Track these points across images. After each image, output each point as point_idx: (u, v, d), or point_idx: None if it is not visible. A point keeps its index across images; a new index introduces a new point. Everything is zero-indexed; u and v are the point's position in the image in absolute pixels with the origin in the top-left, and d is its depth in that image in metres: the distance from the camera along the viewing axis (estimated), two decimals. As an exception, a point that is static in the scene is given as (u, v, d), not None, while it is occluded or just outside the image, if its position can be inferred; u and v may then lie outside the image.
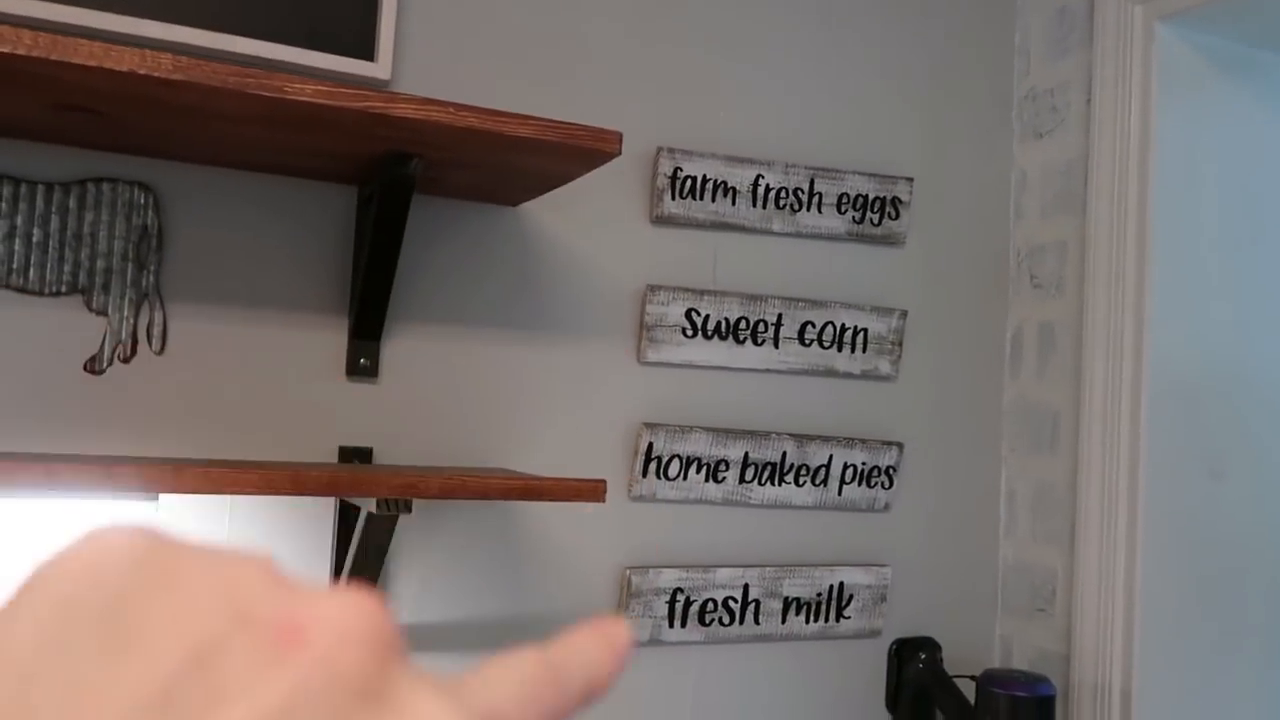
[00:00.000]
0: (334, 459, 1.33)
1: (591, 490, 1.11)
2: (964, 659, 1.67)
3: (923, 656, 1.61)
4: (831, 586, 1.59)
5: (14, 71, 0.94)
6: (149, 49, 0.96)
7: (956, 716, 1.54)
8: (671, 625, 1.49)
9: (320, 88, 1.00)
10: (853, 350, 1.63)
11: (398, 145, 1.13)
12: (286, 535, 1.30)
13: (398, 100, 1.03)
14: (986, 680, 1.49)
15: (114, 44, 0.94)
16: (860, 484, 1.62)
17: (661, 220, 1.51)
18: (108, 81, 0.96)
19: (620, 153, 1.15)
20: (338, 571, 1.30)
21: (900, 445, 1.65)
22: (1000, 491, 1.75)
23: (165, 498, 1.17)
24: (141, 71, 0.93)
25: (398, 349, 1.36)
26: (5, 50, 0.89)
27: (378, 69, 1.35)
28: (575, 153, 1.14)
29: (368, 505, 1.15)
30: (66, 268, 1.21)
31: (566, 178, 1.26)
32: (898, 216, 1.67)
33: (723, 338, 1.54)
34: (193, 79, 0.95)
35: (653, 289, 1.49)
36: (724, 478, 1.53)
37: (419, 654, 1.35)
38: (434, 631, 1.37)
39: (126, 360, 1.24)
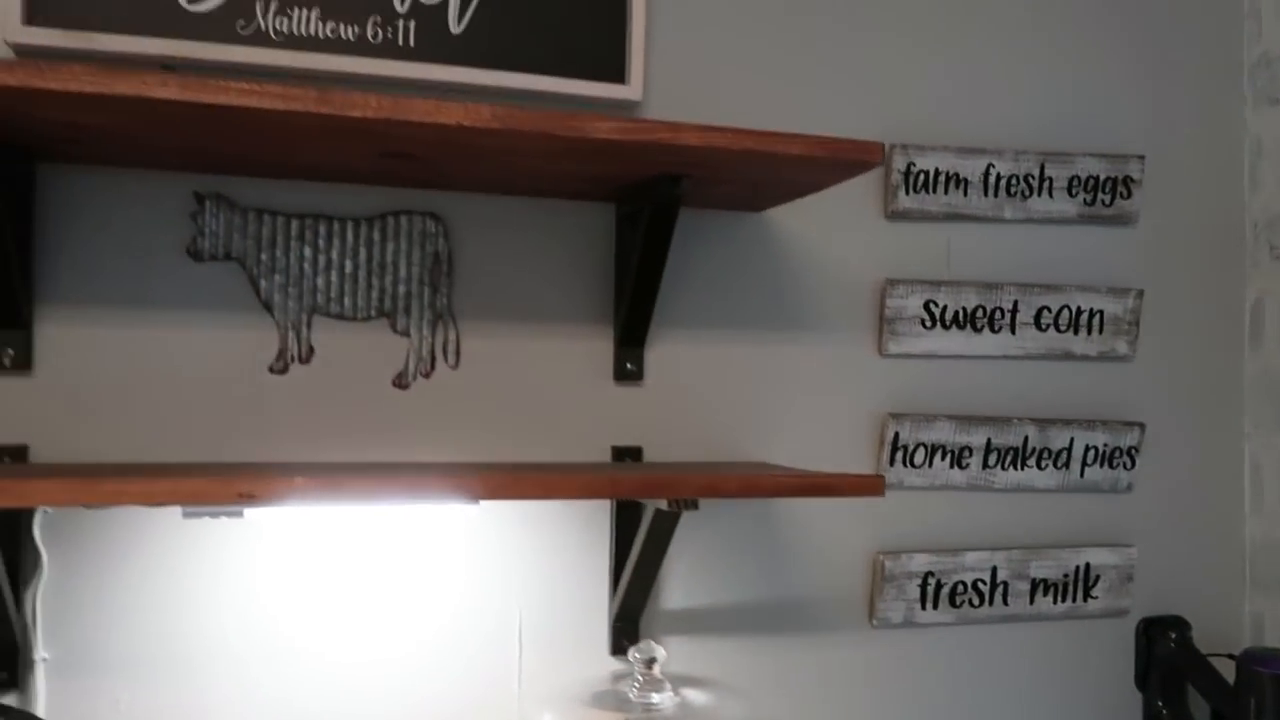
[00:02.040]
0: (607, 458, 1.44)
1: (871, 485, 1.17)
2: (1213, 637, 1.67)
3: (1173, 636, 1.62)
4: (1078, 567, 1.62)
5: (354, 130, 1.06)
6: (435, 93, 1.06)
7: (1214, 695, 1.54)
8: (924, 608, 1.54)
9: (616, 124, 1.09)
10: (1089, 332, 1.63)
11: (671, 168, 1.22)
12: (564, 529, 1.42)
13: (683, 130, 1.11)
14: (1247, 659, 1.48)
15: (428, 97, 1.06)
16: (1102, 465, 1.63)
17: (896, 215, 1.56)
18: (434, 133, 1.07)
19: (882, 162, 1.21)
20: (618, 564, 1.41)
21: (1141, 425, 1.65)
22: (1244, 467, 1.73)
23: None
24: (467, 123, 1.04)
25: (659, 353, 1.46)
26: (355, 114, 1.02)
27: (630, 91, 1.43)
28: (839, 165, 1.20)
29: (656, 503, 1.24)
30: (374, 295, 1.35)
31: (821, 186, 1.32)
32: (1129, 195, 1.66)
33: (960, 327, 1.57)
34: (509, 126, 1.06)
35: (891, 283, 1.54)
36: (968, 463, 1.57)
37: (690, 638, 1.45)
38: (703, 616, 1.47)
39: (427, 375, 1.37)
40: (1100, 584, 1.63)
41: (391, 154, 1.17)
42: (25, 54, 1.24)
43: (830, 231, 1.53)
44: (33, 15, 1.23)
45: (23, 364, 1.23)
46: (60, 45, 1.24)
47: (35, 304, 1.24)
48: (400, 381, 1.36)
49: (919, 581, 1.54)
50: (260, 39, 1.31)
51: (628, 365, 1.44)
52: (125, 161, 1.25)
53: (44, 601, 1.24)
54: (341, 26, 1.34)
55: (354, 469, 1.20)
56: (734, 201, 1.42)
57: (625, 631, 1.42)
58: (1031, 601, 1.60)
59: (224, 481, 0.98)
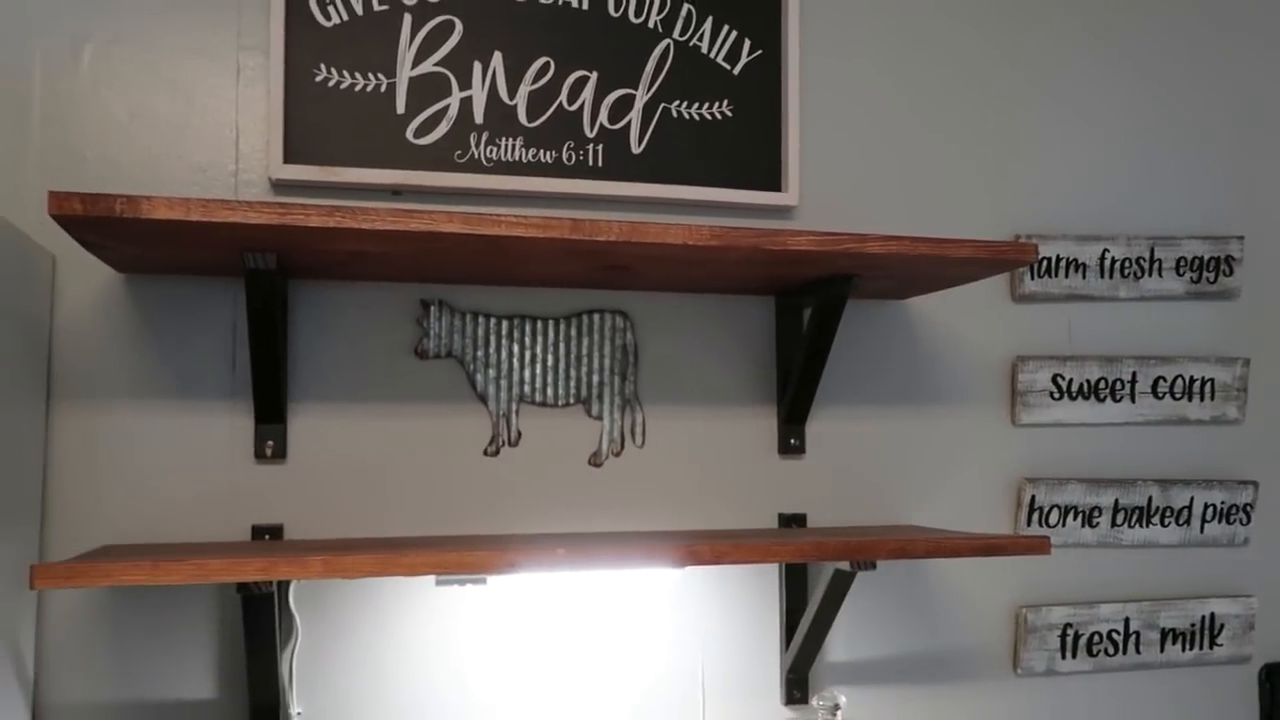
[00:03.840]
0: (774, 524, 1.60)
1: (1037, 545, 1.32)
2: (1332, 682, 1.78)
3: (1295, 680, 1.74)
4: (1203, 617, 1.74)
5: (591, 250, 1.25)
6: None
7: (1340, 736, 1.65)
8: (1064, 657, 1.68)
9: (812, 238, 1.27)
10: (1202, 399, 1.78)
11: (843, 270, 1.39)
12: (738, 590, 1.57)
13: (868, 240, 1.29)
14: (1373, 701, 1.60)
15: (643, 221, 1.24)
16: (1220, 521, 1.77)
17: (1023, 298, 1.72)
18: (658, 250, 1.25)
19: (1036, 261, 1.37)
20: (789, 623, 1.56)
21: (1255, 484, 1.78)
22: (1352, 521, 1.86)
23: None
24: (690, 243, 1.22)
25: (817, 428, 1.62)
26: (601, 238, 1.20)
27: (787, 197, 1.62)
28: (997, 264, 1.37)
29: (836, 564, 1.40)
30: (571, 384, 1.53)
31: (972, 280, 1.49)
32: (1231, 273, 1.82)
33: (1085, 397, 1.72)
34: (726, 243, 1.24)
35: (1021, 359, 1.70)
36: (1098, 522, 1.71)
37: (852, 687, 1.60)
38: (863, 667, 1.61)
39: (618, 454, 1.54)
40: (1224, 632, 1.75)
41: (612, 266, 1.35)
42: (284, 188, 1.45)
43: (965, 315, 1.69)
44: (290, 155, 1.44)
45: (280, 454, 1.42)
46: (312, 179, 1.44)
47: (290, 402, 1.43)
48: (595, 460, 1.54)
49: (1059, 632, 1.67)
50: (474, 166, 1.51)
51: (791, 440, 1.60)
52: (362, 276, 1.44)
53: (298, 662, 1.41)
54: (541, 152, 1.53)
55: (564, 539, 1.36)
56: (884, 292, 1.58)
57: (796, 683, 1.57)
58: (1161, 649, 1.72)
59: (497, 553, 1.15)
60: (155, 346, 1.39)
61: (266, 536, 1.41)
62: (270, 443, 1.41)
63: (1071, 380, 1.72)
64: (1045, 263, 1.72)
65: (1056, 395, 1.71)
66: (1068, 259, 1.73)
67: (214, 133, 1.44)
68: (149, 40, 1.42)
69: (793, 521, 1.60)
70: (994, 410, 1.70)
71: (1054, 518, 1.69)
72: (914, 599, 1.64)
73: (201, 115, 1.44)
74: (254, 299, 1.28)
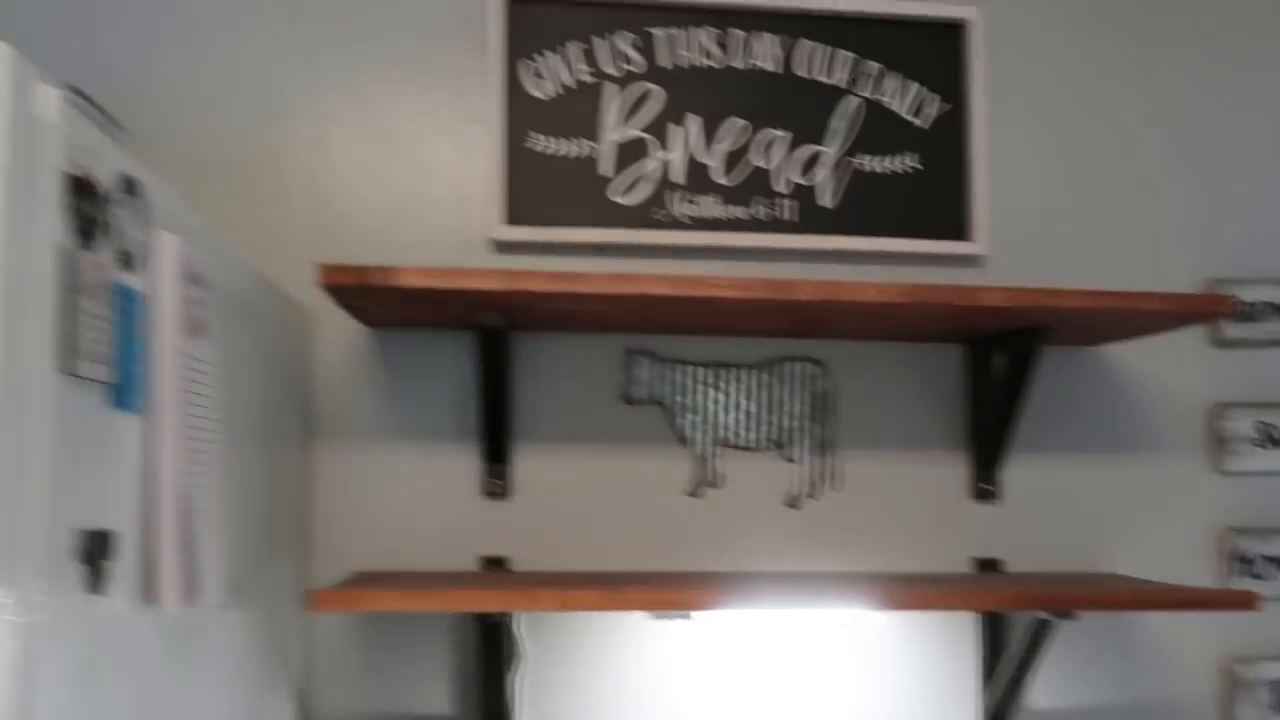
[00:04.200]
0: (967, 569, 1.62)
1: (1242, 600, 1.31)
2: None
3: None
4: None
5: (788, 307, 1.33)
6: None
7: None
8: (1277, 713, 1.63)
9: (1004, 293, 1.31)
10: None
11: (1035, 322, 1.42)
12: (930, 634, 1.61)
13: (1061, 295, 1.32)
14: None
15: (835, 280, 1.30)
16: None
17: (1223, 343, 1.69)
18: (852, 306, 1.32)
19: (1232, 313, 1.37)
20: (987, 669, 1.58)
21: None
22: None
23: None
24: (883, 300, 1.28)
25: (1010, 474, 1.64)
26: (798, 297, 1.28)
27: (976, 247, 1.65)
28: (1192, 316, 1.38)
29: (1038, 613, 1.42)
30: (768, 429, 1.60)
31: (1167, 329, 1.49)
32: None
33: (1294, 444, 1.68)
34: (917, 299, 1.29)
35: (1224, 406, 1.67)
36: (1309, 574, 1.66)
37: (1048, 732, 1.60)
38: (1062, 716, 1.61)
39: (814, 497, 1.61)
40: None
41: (806, 319, 1.42)
42: (504, 248, 1.58)
43: (1163, 361, 1.68)
44: (509, 218, 1.58)
45: (505, 491, 1.55)
46: (528, 239, 1.58)
47: (514, 443, 1.56)
48: (792, 502, 1.60)
49: (1269, 688, 1.63)
50: (673, 223, 1.61)
51: (984, 485, 1.63)
52: (575, 328, 1.56)
53: (524, 685, 1.53)
54: (736, 209, 1.62)
55: (765, 578, 1.44)
56: (1077, 339, 1.60)
57: (991, 727, 1.59)
58: (1383, 709, 1.65)
59: (709, 591, 1.24)
60: (397, 393, 1.54)
61: (494, 567, 1.54)
62: (496, 481, 1.54)
63: (1276, 427, 1.68)
64: (1246, 307, 1.69)
65: (1261, 443, 1.67)
66: (1269, 302, 1.70)
67: (442, 199, 1.59)
68: (386, 120, 1.59)
69: (986, 566, 1.62)
70: (1194, 458, 1.68)
71: (1262, 569, 1.65)
72: (1114, 648, 1.64)
73: (431, 183, 1.59)
74: (483, 352, 1.41)
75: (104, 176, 0.78)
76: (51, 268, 0.69)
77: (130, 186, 0.83)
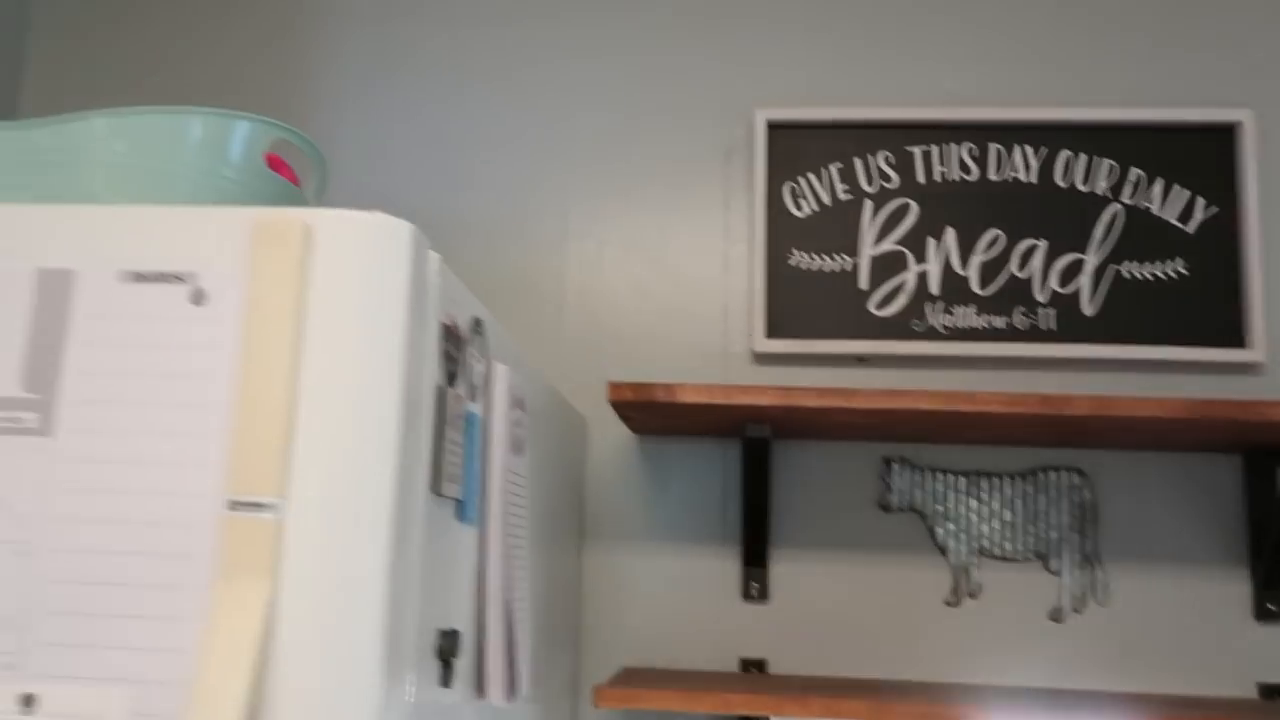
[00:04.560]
0: (1252, 694, 1.53)
1: None
2: None
3: None
4: None
5: (1057, 421, 1.33)
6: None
7: None
8: None
9: (1296, 409, 1.26)
10: None
11: (1330, 435, 1.35)
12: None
13: (1360, 410, 1.26)
14: None
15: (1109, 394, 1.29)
16: None
17: None
18: (1127, 423, 1.31)
19: None
20: (1276, 798, 1.48)
21: None
22: None
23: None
24: (1163, 415, 1.27)
25: (1299, 595, 1.55)
26: (1070, 413, 1.28)
27: (1253, 354, 1.59)
28: None
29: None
30: (1029, 539, 1.59)
31: None
32: None
33: None
34: (1199, 415, 1.27)
35: None
36: None
37: None
38: None
39: (1078, 611, 1.57)
40: None
41: (1072, 431, 1.42)
42: (764, 359, 1.66)
43: None
44: (770, 331, 1.65)
45: (763, 594, 1.60)
46: (789, 351, 1.65)
47: (771, 547, 1.61)
48: (1055, 616, 1.57)
49: None
50: (930, 334, 1.64)
51: (1269, 605, 1.54)
52: (832, 435, 1.60)
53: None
54: (994, 318, 1.64)
55: (1029, 694, 1.41)
56: (1374, 454, 1.51)
57: None
58: None
59: (975, 709, 1.24)
60: (661, 496, 1.63)
61: (754, 670, 1.58)
62: (755, 584, 1.60)
63: None
64: None
65: None
66: None
67: (705, 313, 1.69)
68: (654, 241, 1.71)
69: (1274, 693, 1.53)
70: None
71: None
72: None
73: (695, 299, 1.70)
74: (748, 460, 1.48)
75: (462, 320, 0.90)
76: (432, 405, 0.81)
77: (479, 326, 0.96)
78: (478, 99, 1.77)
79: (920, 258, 1.66)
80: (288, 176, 1.16)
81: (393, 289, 0.74)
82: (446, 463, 0.85)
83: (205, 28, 1.84)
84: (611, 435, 1.66)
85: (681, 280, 1.70)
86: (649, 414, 1.43)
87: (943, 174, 1.68)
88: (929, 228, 1.67)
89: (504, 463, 1.01)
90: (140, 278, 0.73)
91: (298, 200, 1.14)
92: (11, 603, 0.69)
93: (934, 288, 1.65)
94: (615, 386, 1.32)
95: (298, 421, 0.70)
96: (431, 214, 1.75)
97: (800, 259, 1.67)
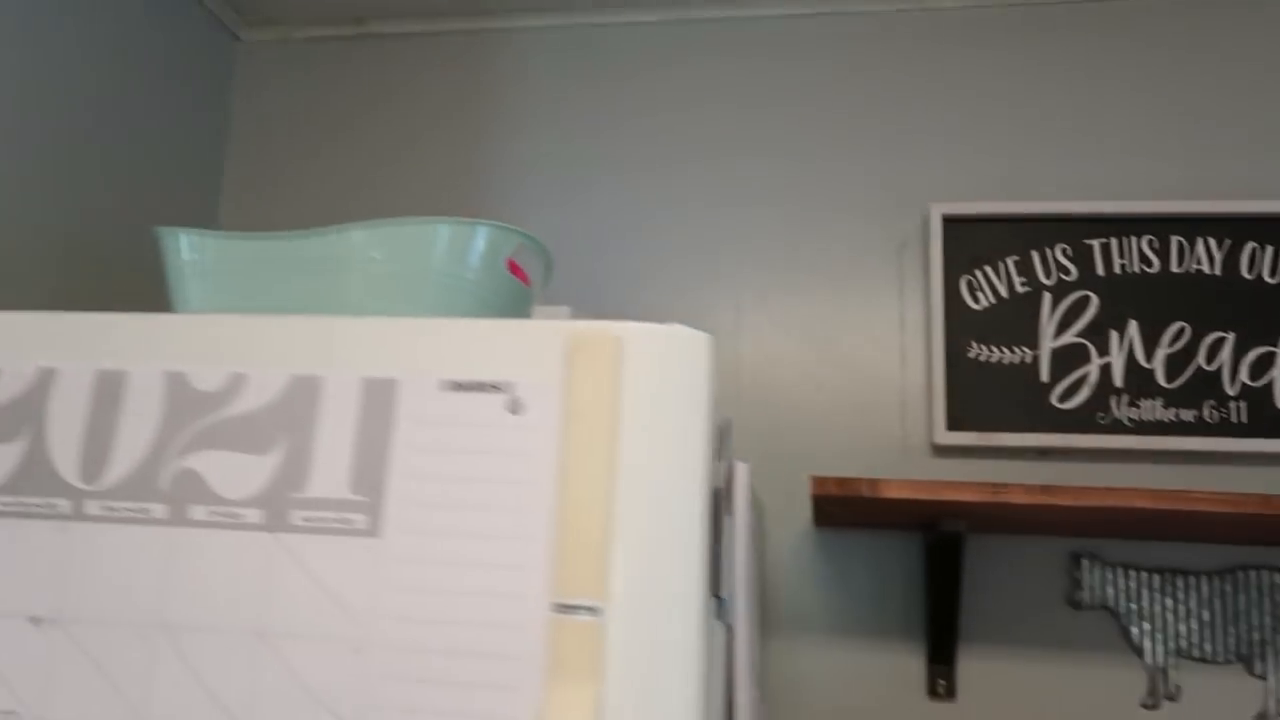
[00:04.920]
0: None
1: None
2: None
3: None
4: None
5: (1271, 522, 1.30)
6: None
7: None
8: None
9: None
10: None
11: None
12: None
13: None
14: None
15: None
16: None
17: None
18: (1352, 522, 1.27)
19: None
20: None
21: None
22: None
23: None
24: (1395, 517, 1.23)
25: None
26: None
27: None
28: None
29: None
30: (1229, 641, 1.54)
31: None
32: None
33: None
34: None
35: None
36: None
37: None
38: None
39: None
40: None
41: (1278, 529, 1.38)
42: (944, 453, 1.66)
43: None
44: (952, 424, 1.65)
45: (950, 692, 1.57)
46: (970, 444, 1.64)
47: (959, 644, 1.59)
48: (1262, 722, 1.52)
49: None
50: (1115, 427, 1.62)
51: None
52: (1019, 530, 1.58)
53: None
54: (1182, 411, 1.61)
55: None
56: None
57: None
58: None
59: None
60: (842, 588, 1.63)
61: (934, 768, 1.55)
62: (942, 682, 1.57)
63: None
64: None
65: None
66: None
67: (881, 405, 1.70)
68: (828, 333, 1.73)
69: None
70: None
71: None
72: None
73: (870, 390, 1.71)
74: (940, 554, 1.47)
75: (720, 422, 0.93)
76: (710, 509, 0.84)
77: (728, 426, 0.98)
78: (653, 193, 1.83)
79: (1103, 350, 1.65)
80: (520, 277, 1.21)
81: (696, 397, 0.77)
82: (722, 565, 0.87)
83: (383, 133, 1.94)
84: (789, 525, 1.67)
85: (856, 371, 1.72)
86: (843, 507, 1.44)
87: (1123, 266, 1.68)
88: (1111, 320, 1.66)
89: (745, 560, 1.02)
90: (459, 386, 0.78)
91: (529, 299, 1.19)
92: (348, 698, 0.72)
93: (1118, 380, 1.64)
94: (819, 480, 1.34)
95: (615, 526, 0.73)
96: (610, 306, 1.79)
97: (979, 351, 1.67)
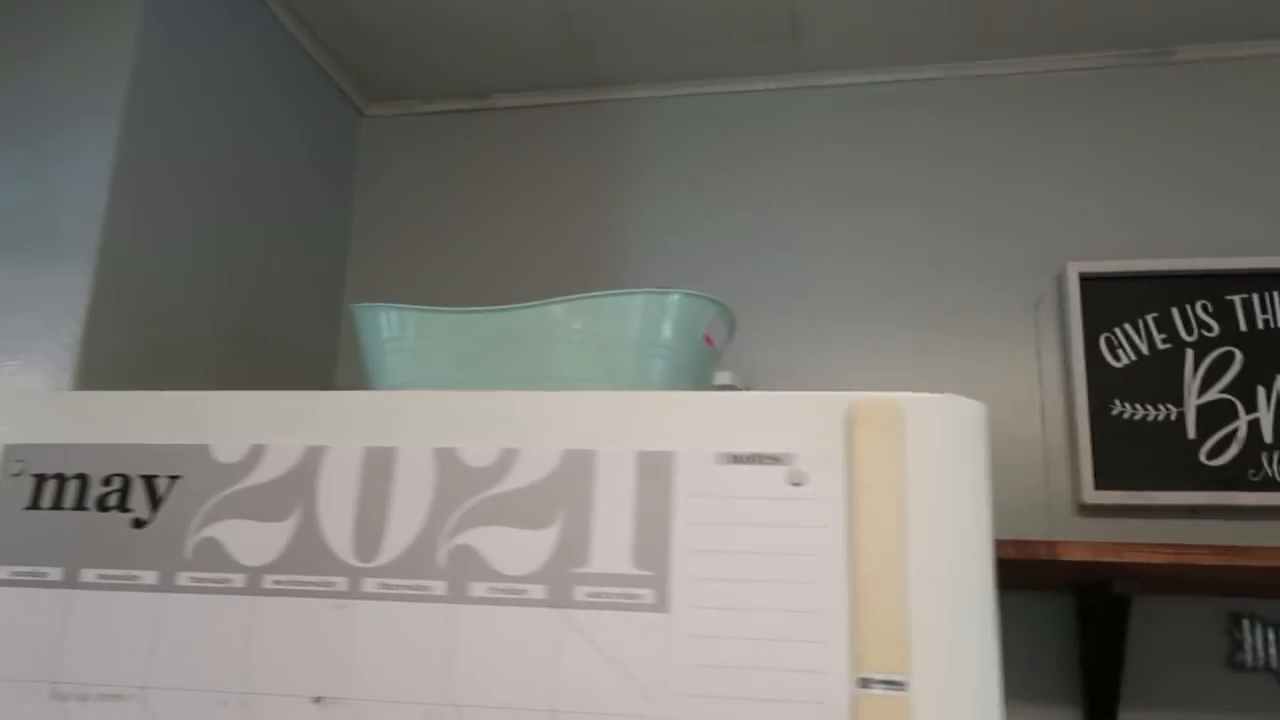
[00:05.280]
0: None
1: None
2: None
3: None
4: None
5: None
6: None
7: None
8: None
9: None
10: None
11: None
12: None
13: None
14: None
15: None
16: None
17: None
18: None
19: None
20: None
21: None
22: None
23: None
24: None
25: None
26: None
27: None
28: None
29: None
30: (1404, 703, 1.50)
31: None
32: None
33: None
34: None
35: None
36: None
37: None
38: None
39: None
40: None
41: None
42: (1091, 512, 1.64)
43: None
44: (1100, 483, 1.64)
45: (1114, 758, 1.54)
46: (1120, 503, 1.62)
47: (1118, 708, 1.56)
48: None
49: None
50: (1268, 483, 1.60)
51: None
52: (1177, 590, 1.56)
53: None
54: (1336, 467, 1.59)
55: None
56: None
57: None
58: None
59: None
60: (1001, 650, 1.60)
61: (1100, 838, 1.51)
62: (1105, 747, 1.54)
63: None
64: None
65: None
66: None
67: (1023, 464, 1.69)
68: (970, 394, 1.73)
69: None
70: None
71: None
72: None
73: (1011, 450, 1.69)
74: (1101, 617, 1.45)
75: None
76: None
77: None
78: (790, 254, 1.84)
79: (1250, 406, 1.64)
80: (710, 343, 1.22)
81: (977, 465, 0.77)
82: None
83: (509, 204, 1.97)
84: (937, 589, 1.65)
85: (996, 431, 1.71)
86: (1010, 570, 1.42)
87: (1266, 321, 1.67)
88: (1257, 375, 1.65)
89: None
90: (736, 459, 0.78)
91: (717, 362, 1.20)
92: (651, 776, 0.71)
93: (1268, 435, 1.62)
94: (997, 544, 1.33)
95: (911, 597, 0.73)
96: (750, 367, 1.80)
97: (1122, 409, 1.66)
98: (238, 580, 0.82)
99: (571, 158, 1.97)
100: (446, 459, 0.82)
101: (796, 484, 0.77)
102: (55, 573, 0.86)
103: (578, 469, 0.80)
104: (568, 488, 0.80)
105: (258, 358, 1.68)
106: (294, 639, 0.79)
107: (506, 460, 0.81)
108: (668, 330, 1.14)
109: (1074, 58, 1.84)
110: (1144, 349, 1.69)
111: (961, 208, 1.81)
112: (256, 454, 0.85)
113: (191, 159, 1.54)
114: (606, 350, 1.13)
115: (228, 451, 0.86)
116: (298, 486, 0.83)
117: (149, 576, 0.84)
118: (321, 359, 1.87)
